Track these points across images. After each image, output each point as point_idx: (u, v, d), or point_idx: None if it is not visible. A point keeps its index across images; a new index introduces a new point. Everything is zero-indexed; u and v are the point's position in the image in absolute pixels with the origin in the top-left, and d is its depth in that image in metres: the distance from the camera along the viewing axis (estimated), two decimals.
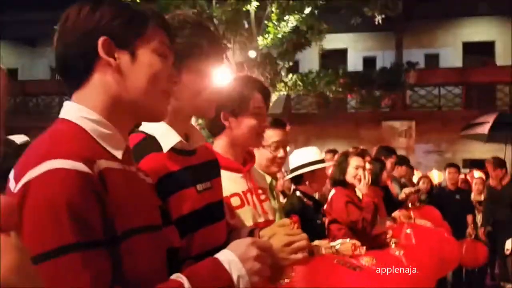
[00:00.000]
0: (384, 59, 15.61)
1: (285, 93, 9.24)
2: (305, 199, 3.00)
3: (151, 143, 1.40)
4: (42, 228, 0.89)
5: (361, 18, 9.25)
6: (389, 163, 5.17)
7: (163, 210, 1.30)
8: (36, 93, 16.63)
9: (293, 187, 3.21)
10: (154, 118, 1.17)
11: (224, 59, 1.53)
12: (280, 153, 2.39)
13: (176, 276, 1.03)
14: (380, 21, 8.97)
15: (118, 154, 1.07)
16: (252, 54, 8.13)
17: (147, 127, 1.45)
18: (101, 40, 1.04)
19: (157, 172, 1.33)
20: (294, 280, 1.28)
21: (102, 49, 1.05)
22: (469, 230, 6.70)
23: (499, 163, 6.76)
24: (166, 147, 1.40)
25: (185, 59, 1.40)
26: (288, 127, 2.59)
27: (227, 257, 1.07)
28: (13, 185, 0.94)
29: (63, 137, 1.01)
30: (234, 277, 1.05)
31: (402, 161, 5.98)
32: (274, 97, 8.62)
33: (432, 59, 17.44)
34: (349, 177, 3.83)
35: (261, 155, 2.35)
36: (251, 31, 8.46)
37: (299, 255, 1.35)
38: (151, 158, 1.36)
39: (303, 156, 3.13)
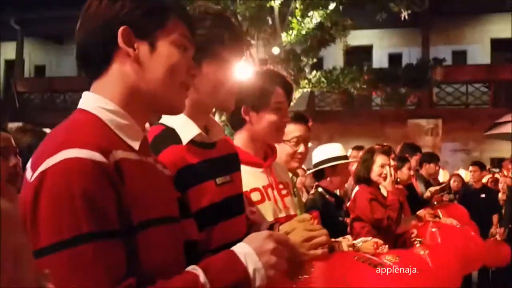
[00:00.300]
0: (410, 56, 15.38)
1: (309, 90, 9.18)
2: (327, 196, 2.97)
3: (171, 135, 1.40)
4: (58, 217, 0.89)
5: (386, 14, 9.12)
6: (413, 161, 5.08)
7: (182, 203, 1.29)
8: (63, 89, 16.85)
9: (315, 183, 3.18)
10: (172, 110, 1.16)
11: (245, 51, 1.51)
12: (301, 148, 2.36)
13: (192, 268, 1.02)
14: (406, 17, 8.84)
15: (135, 145, 1.07)
16: (276, 50, 8.11)
17: (167, 119, 1.44)
18: (121, 30, 1.04)
19: (176, 164, 1.32)
20: (313, 276, 1.25)
21: (122, 39, 1.05)
22: (493, 229, 6.55)
23: None
24: (185, 139, 1.39)
25: (206, 51, 1.38)
26: (310, 123, 2.56)
27: (243, 249, 1.06)
28: (30, 174, 0.94)
29: (80, 126, 1.01)
30: (250, 270, 1.03)
31: (430, 158, 5.86)
32: (297, 94, 8.58)
33: (460, 56, 17.13)
34: (374, 175, 3.78)
35: (282, 150, 2.32)
36: (274, 27, 8.43)
37: (319, 251, 1.32)
38: (170, 150, 1.35)
39: (325, 151, 3.10)
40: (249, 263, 1.04)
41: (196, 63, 1.37)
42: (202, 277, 0.99)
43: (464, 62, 17.18)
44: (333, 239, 1.61)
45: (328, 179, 3.05)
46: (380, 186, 3.92)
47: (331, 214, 2.86)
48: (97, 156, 0.92)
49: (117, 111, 1.06)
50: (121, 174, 0.97)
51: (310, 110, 12.79)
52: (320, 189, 3.01)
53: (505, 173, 6.78)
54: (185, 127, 1.41)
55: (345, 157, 3.13)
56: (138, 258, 0.97)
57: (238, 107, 1.84)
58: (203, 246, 1.35)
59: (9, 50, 17.49)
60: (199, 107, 1.44)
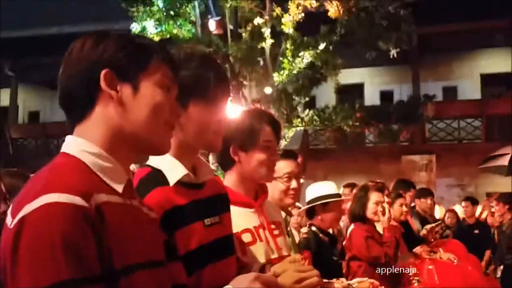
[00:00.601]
0: (401, 92, 15.57)
1: (302, 128, 9.22)
2: (320, 235, 2.93)
3: (157, 177, 1.38)
4: (38, 264, 0.86)
5: (376, 52, 9.25)
6: (408, 197, 5.05)
7: (169, 245, 1.26)
8: (57, 134, 16.83)
9: (308, 222, 3.14)
10: (157, 150, 1.15)
11: (234, 92, 1.51)
12: (293, 184, 2.34)
13: None
14: (395, 55, 8.98)
15: (119, 188, 1.05)
16: (268, 90, 8.17)
17: (153, 161, 1.43)
18: (103, 73, 1.04)
19: (162, 206, 1.30)
20: None
21: (104, 82, 1.04)
22: (482, 264, 6.40)
23: (504, 198, 6.29)
24: (172, 180, 1.37)
25: (192, 92, 1.38)
26: (300, 159, 2.55)
27: None
28: (10, 221, 0.92)
29: (61, 171, 0.99)
30: None
31: (424, 193, 5.82)
32: (290, 132, 8.62)
33: (450, 92, 17.34)
34: (369, 213, 3.76)
35: (274, 187, 2.31)
36: (266, 67, 8.53)
37: None
38: (157, 192, 1.33)
39: (317, 189, 3.08)
40: None
41: (182, 104, 1.37)
42: None
43: (454, 97, 17.38)
44: (326, 280, 1.57)
45: (319, 217, 3.03)
46: (376, 224, 3.89)
47: (325, 254, 2.82)
48: (77, 200, 0.90)
49: (100, 154, 1.05)
50: (103, 218, 0.94)
51: (304, 148, 12.80)
52: (313, 228, 2.98)
53: (494, 209, 6.59)
54: (171, 168, 1.39)
55: (337, 195, 3.11)
56: None
57: (226, 147, 1.83)
58: None
59: (3, 97, 17.58)
60: (186, 148, 1.43)
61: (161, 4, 8.32)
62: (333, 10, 8.32)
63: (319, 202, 3.00)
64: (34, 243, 0.86)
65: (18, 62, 15.58)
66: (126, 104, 1.06)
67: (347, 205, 4.05)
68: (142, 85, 1.08)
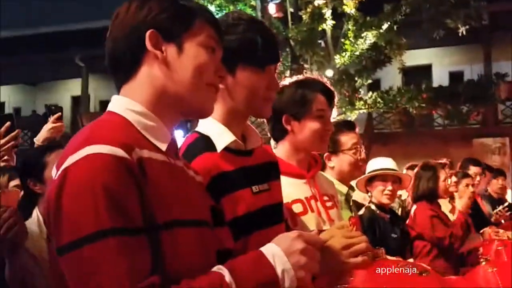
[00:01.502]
0: (472, 73, 14.86)
1: (365, 111, 9.03)
2: (377, 211, 2.85)
3: (205, 142, 1.39)
4: (80, 213, 0.88)
5: (444, 31, 8.88)
6: (482, 181, 4.81)
7: (216, 211, 1.27)
8: None
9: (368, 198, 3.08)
10: (200, 112, 1.15)
11: (280, 56, 1.48)
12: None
13: (217, 268, 0.99)
14: (464, 33, 8.58)
15: (163, 146, 1.07)
16: (330, 73, 8.05)
17: (202, 127, 1.43)
18: (148, 33, 1.06)
19: (209, 171, 1.31)
20: (353, 285, 1.18)
21: (149, 42, 1.06)
22: None
23: None
24: (220, 146, 1.37)
25: (239, 56, 1.37)
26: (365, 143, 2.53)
27: (271, 250, 1.02)
28: (55, 173, 0.95)
29: (104, 125, 1.02)
30: (279, 271, 0.99)
31: (495, 174, 5.55)
32: (353, 115, 8.46)
33: None
34: (441, 192, 3.65)
35: (342, 161, 2.29)
36: (328, 50, 8.40)
37: (359, 259, 1.25)
38: (204, 157, 1.34)
39: (370, 165, 3.01)
40: (277, 264, 0.99)
41: (229, 69, 1.36)
42: (227, 277, 0.95)
43: None
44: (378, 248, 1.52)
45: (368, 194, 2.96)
46: (441, 203, 3.78)
47: (383, 231, 2.75)
48: (119, 152, 0.92)
49: (144, 112, 1.06)
50: (145, 172, 0.96)
51: (368, 133, 12.57)
52: (372, 206, 2.91)
53: None
54: (220, 135, 1.39)
55: (386, 169, 3.01)
56: (163, 258, 0.95)
57: (278, 116, 1.82)
58: (240, 255, 1.31)
59: (75, 87, 18.38)
60: (234, 114, 1.43)
61: None
62: None
63: (365, 176, 2.93)
64: (76, 192, 0.89)
65: (89, 52, 16.15)
66: (171, 64, 1.08)
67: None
68: (187, 45, 1.09)
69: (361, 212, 2.92)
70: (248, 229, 1.35)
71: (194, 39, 1.10)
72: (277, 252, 1.01)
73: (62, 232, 0.89)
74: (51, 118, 2.61)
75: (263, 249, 1.03)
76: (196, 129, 1.45)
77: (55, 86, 19.97)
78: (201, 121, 1.45)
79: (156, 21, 1.07)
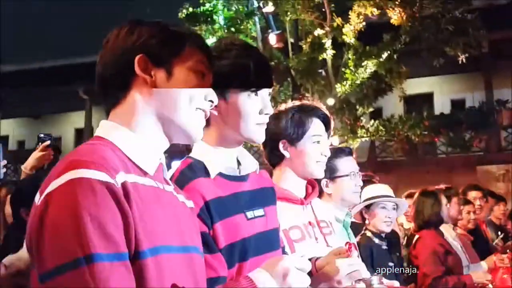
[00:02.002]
0: (474, 101, 14.90)
1: (367, 139, 9.03)
2: (375, 239, 2.81)
3: (199, 168, 1.38)
4: (63, 238, 0.87)
5: (444, 60, 8.94)
6: (485, 207, 4.77)
7: (208, 236, 1.25)
8: None
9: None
10: (188, 136, 1.14)
11: (273, 82, 1.49)
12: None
13: None
14: (464, 61, 8.64)
15: (150, 170, 1.05)
16: (331, 101, 8.08)
17: (196, 152, 1.43)
18: (137, 58, 1.06)
19: (203, 196, 1.30)
20: None
21: (138, 67, 1.07)
22: None
23: None
24: (213, 172, 1.36)
25: (231, 81, 1.38)
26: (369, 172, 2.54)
27: (260, 274, 1.00)
28: (38, 198, 0.94)
29: (89, 150, 1.01)
30: None
31: (499, 199, 5.51)
32: (356, 143, 8.45)
33: None
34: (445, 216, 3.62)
35: (341, 188, 2.27)
36: (328, 79, 8.45)
37: (356, 285, 1.23)
38: (197, 182, 1.33)
39: (364, 192, 2.98)
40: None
41: (222, 94, 1.36)
42: None
43: None
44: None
45: (366, 221, 2.92)
46: (443, 230, 3.73)
47: (380, 259, 2.70)
48: (102, 176, 0.91)
49: (132, 137, 1.06)
50: (129, 196, 0.95)
51: (371, 161, 12.55)
52: (368, 233, 2.86)
53: None
54: (213, 160, 1.39)
55: (378, 197, 2.98)
56: (147, 285, 0.92)
57: (275, 142, 1.82)
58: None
59: (78, 119, 18.47)
60: (227, 139, 1.42)
61: (222, 22, 8.50)
62: (395, 17, 8.14)
63: (361, 204, 2.89)
64: (59, 218, 0.88)
65: (92, 85, 16.35)
66: (160, 89, 1.08)
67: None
68: (176, 70, 1.09)
69: (356, 239, 2.89)
70: (242, 256, 1.33)
71: (183, 64, 1.10)
72: (266, 277, 0.99)
73: (44, 258, 0.88)
74: (40, 146, 2.61)
75: (252, 274, 1.01)
76: (190, 154, 1.45)
77: (58, 119, 20.09)
78: (195, 146, 1.45)
79: (145, 46, 1.08)
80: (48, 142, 2.63)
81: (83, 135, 18.25)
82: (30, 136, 19.92)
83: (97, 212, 0.88)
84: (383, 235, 2.92)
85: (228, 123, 1.40)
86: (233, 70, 1.38)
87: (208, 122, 1.40)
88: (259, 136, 1.44)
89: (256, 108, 1.40)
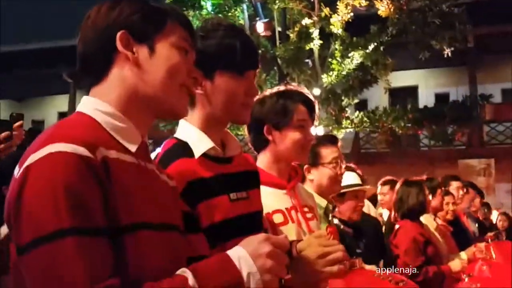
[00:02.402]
0: (458, 95, 15.03)
1: (352, 130, 9.08)
2: (342, 227, 2.82)
3: (183, 148, 1.37)
4: (39, 212, 0.86)
5: (430, 53, 9.01)
6: (455, 191, 4.81)
7: (190, 216, 1.25)
8: None
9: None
10: (173, 113, 1.13)
11: (259, 63, 1.49)
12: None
13: (182, 271, 0.96)
14: (449, 55, 8.71)
15: (132, 147, 1.04)
16: (317, 92, 8.11)
17: (180, 133, 1.42)
18: (119, 34, 1.05)
19: (186, 176, 1.29)
20: None
21: (120, 43, 1.05)
22: None
23: None
24: (197, 152, 1.35)
25: (218, 61, 1.37)
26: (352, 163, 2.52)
27: (237, 252, 0.99)
28: (17, 171, 0.93)
29: (70, 124, 1.00)
30: (244, 274, 0.96)
31: (478, 192, 5.59)
32: (340, 134, 8.50)
33: (510, 94, 16.63)
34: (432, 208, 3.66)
35: (322, 175, 2.27)
36: (315, 69, 8.47)
37: (335, 268, 1.24)
38: (180, 162, 1.32)
39: None
40: (243, 266, 0.97)
41: (208, 74, 1.36)
42: (191, 280, 0.93)
43: None
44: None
45: (337, 209, 2.93)
46: (425, 221, 3.77)
47: (348, 246, 2.71)
48: (81, 150, 0.90)
49: (114, 113, 1.04)
50: (109, 172, 0.94)
51: (355, 152, 12.62)
52: (335, 220, 2.87)
53: None
54: (198, 141, 1.38)
55: (352, 185, 3.00)
56: (126, 261, 0.92)
57: (259, 126, 1.81)
58: None
59: (62, 103, 18.29)
60: (213, 120, 1.41)
61: (210, 8, 8.46)
62: (383, 8, 8.18)
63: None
64: (37, 191, 0.87)
65: (75, 69, 16.21)
66: (143, 65, 1.06)
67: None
68: (159, 46, 1.08)
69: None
70: (225, 237, 1.33)
71: (166, 40, 1.09)
72: (243, 255, 0.99)
73: (21, 232, 0.87)
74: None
75: (229, 252, 1.00)
76: (175, 135, 1.44)
77: (42, 102, 19.88)
78: (179, 127, 1.44)
79: (127, 22, 1.06)
80: (20, 122, 2.57)
81: None
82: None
83: (75, 186, 0.87)
84: (350, 223, 2.93)
85: (213, 104, 1.39)
86: (219, 50, 1.37)
87: (193, 102, 1.40)
88: (244, 117, 1.44)
89: (241, 89, 1.40)
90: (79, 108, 1.07)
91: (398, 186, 3.82)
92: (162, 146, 1.42)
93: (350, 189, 2.94)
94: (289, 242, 1.51)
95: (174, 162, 1.31)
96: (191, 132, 1.39)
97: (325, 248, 1.26)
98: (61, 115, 19.18)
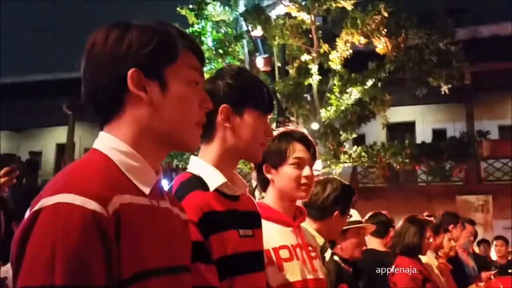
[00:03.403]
0: (455, 131, 15.13)
1: (350, 165, 9.11)
2: (342, 265, 2.79)
3: (197, 182, 1.41)
4: (36, 263, 0.84)
5: (427, 90, 9.12)
6: (456, 230, 4.81)
7: (202, 246, 1.28)
8: None
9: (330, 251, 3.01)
10: (187, 147, 1.12)
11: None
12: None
13: None
14: (447, 91, 8.82)
15: (146, 189, 1.03)
16: (315, 126, 8.17)
17: (193, 168, 1.46)
18: (130, 73, 1.01)
19: (201, 207, 1.33)
20: None
21: (132, 83, 1.01)
22: None
23: None
24: (212, 186, 1.40)
25: (250, 99, 1.47)
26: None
27: None
28: (28, 212, 0.91)
29: (86, 169, 0.97)
30: None
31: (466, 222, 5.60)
32: (338, 169, 8.52)
33: (506, 130, 16.75)
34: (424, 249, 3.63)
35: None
36: (313, 104, 8.55)
37: None
38: (196, 194, 1.36)
39: None
40: None
41: (238, 110, 1.45)
42: None
43: (511, 136, 16.77)
44: None
45: (339, 246, 2.90)
46: (426, 259, 3.76)
47: (349, 285, 2.67)
48: (93, 205, 0.88)
49: (129, 152, 1.03)
50: (119, 223, 0.91)
51: (353, 187, 12.59)
52: (335, 258, 2.84)
53: None
54: (211, 175, 1.43)
55: (355, 222, 2.97)
56: None
57: (260, 166, 1.86)
58: None
59: (61, 134, 18.33)
60: (227, 157, 1.47)
61: (210, 43, 8.58)
62: (381, 46, 8.31)
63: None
64: (37, 242, 0.85)
65: (75, 101, 16.26)
66: (156, 104, 1.04)
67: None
68: (170, 82, 1.05)
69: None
70: (234, 271, 1.35)
71: (178, 75, 1.06)
72: None
73: (18, 275, 0.85)
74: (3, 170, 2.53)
75: None
76: (188, 169, 1.48)
77: (40, 133, 19.93)
78: (191, 162, 1.49)
79: (138, 58, 1.02)
80: (8, 169, 2.54)
81: (65, 150, 18.10)
82: (11, 150, 19.71)
83: (76, 242, 0.85)
84: (349, 261, 2.90)
85: (238, 138, 1.45)
86: (253, 89, 1.48)
87: (211, 138, 1.46)
88: (260, 155, 1.52)
89: (263, 128, 1.49)
90: (96, 145, 1.05)
91: (401, 221, 3.82)
92: (176, 178, 1.45)
93: (353, 226, 2.93)
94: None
95: (191, 193, 1.35)
96: (204, 168, 1.44)
97: None
98: (59, 146, 19.22)
